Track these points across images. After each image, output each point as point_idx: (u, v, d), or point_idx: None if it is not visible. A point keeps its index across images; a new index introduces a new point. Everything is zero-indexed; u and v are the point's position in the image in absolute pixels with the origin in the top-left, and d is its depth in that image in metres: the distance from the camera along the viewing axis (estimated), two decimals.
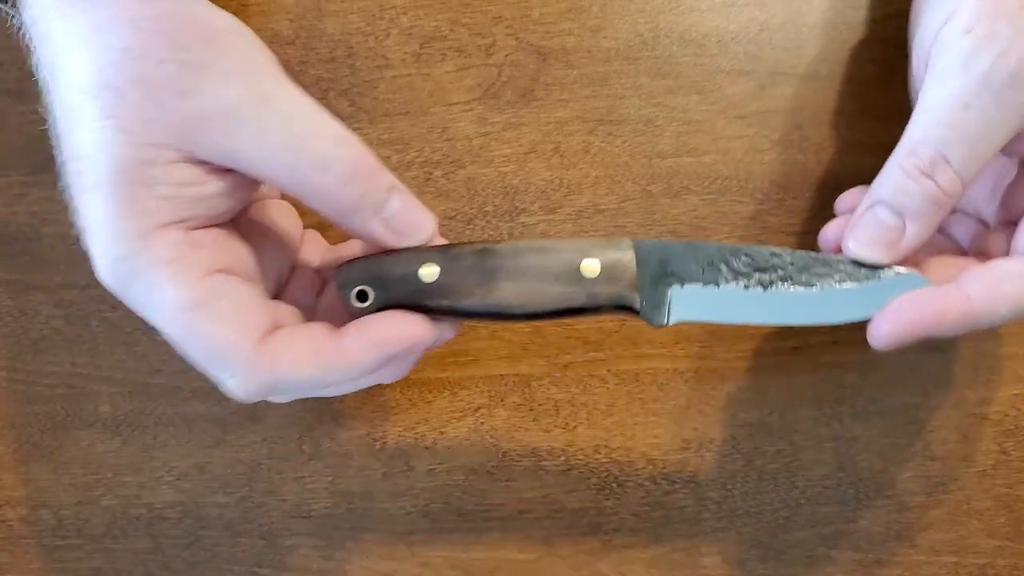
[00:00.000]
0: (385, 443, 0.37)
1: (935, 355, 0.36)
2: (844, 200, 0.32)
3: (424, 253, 0.28)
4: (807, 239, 0.36)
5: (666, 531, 0.36)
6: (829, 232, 0.31)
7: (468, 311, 0.28)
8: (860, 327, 0.34)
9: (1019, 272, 0.27)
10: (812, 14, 0.36)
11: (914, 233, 0.28)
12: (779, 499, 0.36)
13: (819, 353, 0.36)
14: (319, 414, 0.37)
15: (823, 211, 0.36)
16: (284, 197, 0.33)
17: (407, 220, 0.28)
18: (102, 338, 0.37)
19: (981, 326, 0.27)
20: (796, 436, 0.36)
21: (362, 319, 0.27)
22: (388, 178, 0.27)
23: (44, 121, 0.31)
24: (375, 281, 0.28)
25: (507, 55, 0.36)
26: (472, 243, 0.29)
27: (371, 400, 0.37)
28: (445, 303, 0.28)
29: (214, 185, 0.26)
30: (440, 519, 0.37)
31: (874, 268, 0.29)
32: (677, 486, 0.36)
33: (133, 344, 0.37)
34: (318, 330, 0.27)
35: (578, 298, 0.28)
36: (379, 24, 0.36)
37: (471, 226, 0.36)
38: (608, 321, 0.36)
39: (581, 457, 0.37)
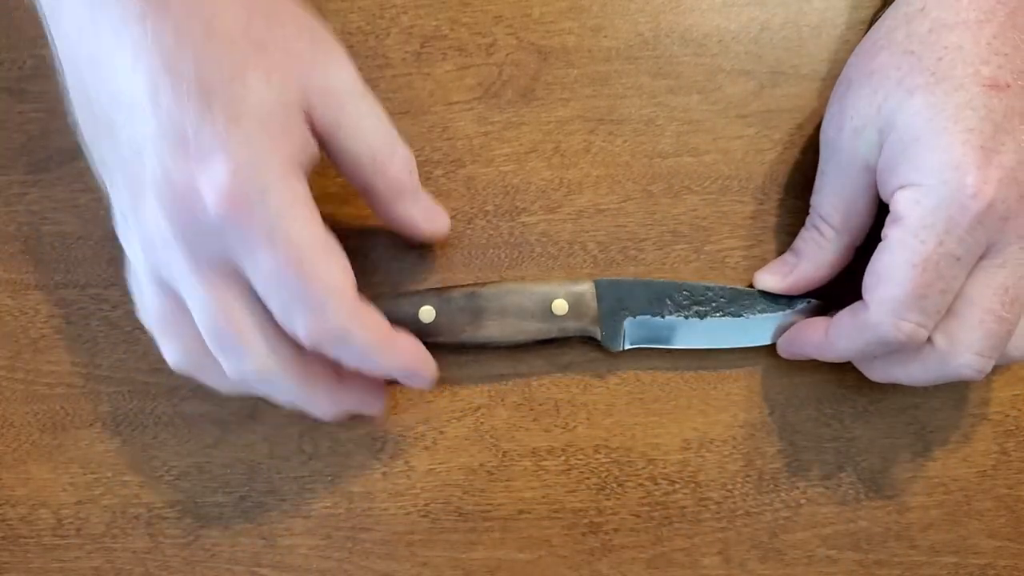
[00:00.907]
0: (385, 443, 0.37)
1: None
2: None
3: (421, 297, 0.34)
4: None
5: (666, 531, 0.36)
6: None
7: (460, 344, 0.35)
8: None
9: (851, 313, 0.32)
10: (813, 14, 0.36)
11: (802, 267, 0.34)
12: (779, 499, 0.36)
13: None
14: None
15: None
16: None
17: (435, 211, 0.34)
18: (102, 337, 0.37)
19: (840, 357, 0.33)
20: (796, 436, 0.36)
21: (408, 337, 0.32)
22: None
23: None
24: None
25: (508, 54, 0.36)
26: (461, 286, 0.35)
27: None
28: (441, 339, 0.34)
29: (316, 150, 0.30)
30: (440, 519, 0.37)
31: (789, 300, 0.35)
32: (677, 486, 0.36)
33: (133, 343, 0.37)
34: (383, 317, 0.32)
35: (551, 331, 0.35)
36: (379, 23, 0.36)
37: (471, 225, 0.36)
38: None
39: (581, 457, 0.36)
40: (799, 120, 0.36)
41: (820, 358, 0.34)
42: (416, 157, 0.36)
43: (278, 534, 0.37)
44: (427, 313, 0.34)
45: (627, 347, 0.35)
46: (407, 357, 0.32)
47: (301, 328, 0.29)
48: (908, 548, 0.36)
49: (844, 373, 0.36)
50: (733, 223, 0.36)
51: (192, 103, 0.27)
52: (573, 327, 0.35)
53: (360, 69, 0.36)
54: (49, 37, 0.30)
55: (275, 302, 0.29)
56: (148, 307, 0.31)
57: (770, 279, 0.35)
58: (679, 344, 0.35)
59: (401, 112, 0.36)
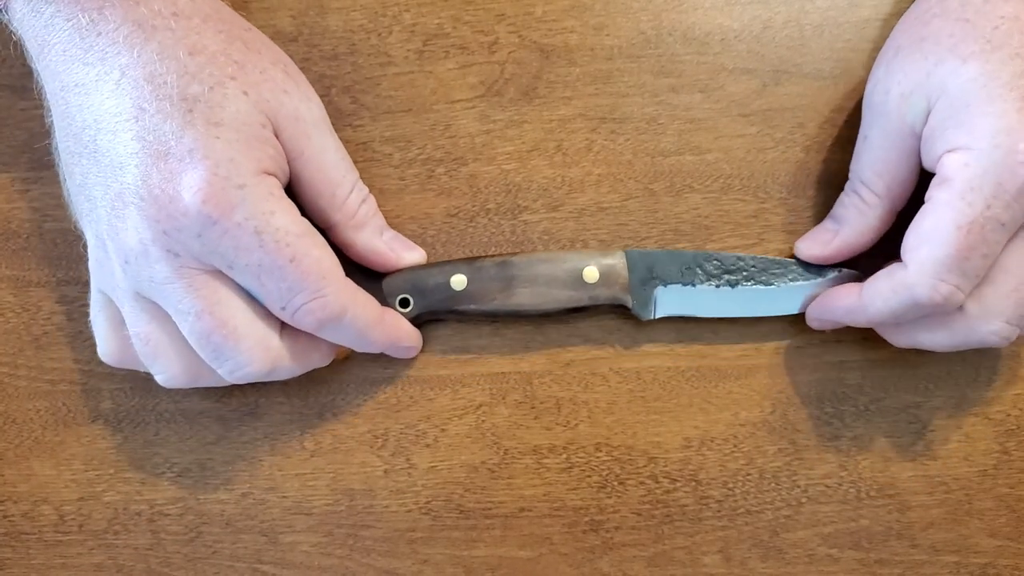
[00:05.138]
0: (387, 440, 0.37)
1: (937, 354, 0.36)
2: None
3: (453, 266, 0.35)
4: None
5: (667, 529, 0.36)
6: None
7: (491, 312, 0.35)
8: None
9: (888, 274, 0.31)
10: (815, 12, 0.36)
11: (845, 234, 0.34)
12: (780, 498, 0.36)
13: (821, 352, 0.36)
14: (320, 411, 0.37)
15: (825, 209, 0.36)
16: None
17: (403, 244, 0.36)
18: None
19: (873, 320, 0.32)
20: (797, 435, 0.36)
21: (392, 311, 0.35)
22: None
23: (46, 118, 0.31)
24: (415, 290, 0.35)
25: (510, 53, 0.36)
26: (492, 256, 0.35)
27: (373, 397, 0.37)
28: (472, 307, 0.35)
29: (287, 165, 0.31)
30: (441, 516, 0.37)
31: (820, 268, 0.35)
32: (678, 484, 0.36)
33: None
34: (372, 297, 0.34)
35: (581, 299, 0.35)
36: (382, 21, 0.36)
37: (473, 223, 0.36)
38: (610, 319, 0.36)
39: (582, 455, 0.37)
40: (801, 119, 0.36)
41: (850, 323, 0.33)
42: (418, 155, 0.36)
43: (279, 531, 0.37)
44: (459, 281, 0.35)
45: (658, 316, 0.35)
46: (396, 331, 0.34)
47: (305, 314, 0.30)
48: (909, 547, 0.36)
49: (846, 372, 0.36)
50: (735, 222, 0.36)
51: (175, 110, 0.28)
52: (604, 295, 0.35)
53: (362, 67, 0.36)
54: (35, 72, 0.31)
55: (271, 293, 0.30)
56: (136, 332, 0.31)
57: (812, 247, 0.35)
58: (710, 313, 0.35)
59: (403, 110, 0.36)
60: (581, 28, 0.36)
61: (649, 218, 0.36)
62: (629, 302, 0.35)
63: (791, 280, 0.35)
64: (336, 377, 0.37)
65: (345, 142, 0.36)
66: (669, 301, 0.35)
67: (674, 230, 0.36)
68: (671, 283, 0.35)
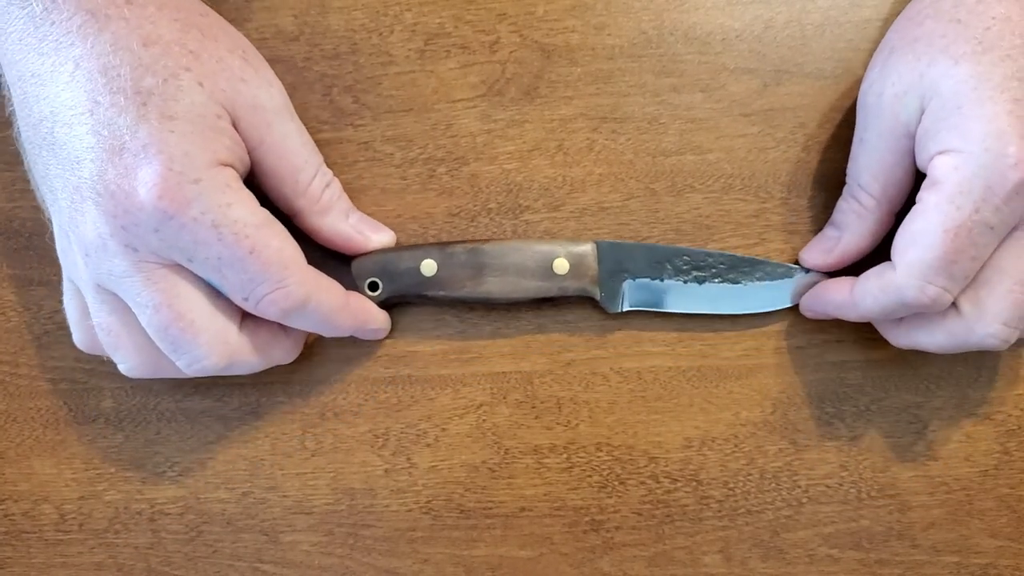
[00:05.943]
0: (387, 440, 0.37)
1: (938, 354, 0.36)
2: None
3: (424, 251, 0.35)
4: (810, 237, 0.36)
5: (667, 529, 0.36)
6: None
7: (460, 299, 0.35)
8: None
9: (877, 273, 0.32)
10: (816, 12, 0.36)
11: (846, 240, 0.34)
12: (781, 498, 0.36)
13: (822, 352, 0.36)
14: (321, 410, 0.37)
15: (826, 209, 0.36)
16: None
17: (371, 226, 0.35)
18: None
19: (863, 317, 0.33)
20: (798, 435, 0.36)
21: (357, 295, 0.35)
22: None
23: (7, 107, 0.32)
24: (384, 274, 0.35)
25: (511, 52, 0.36)
26: (463, 241, 0.35)
27: (373, 397, 0.37)
28: (442, 293, 0.35)
29: (246, 156, 0.31)
30: (442, 516, 0.37)
31: (788, 268, 0.36)
32: (679, 484, 0.36)
33: None
34: (334, 281, 0.33)
35: (551, 290, 0.35)
36: (383, 20, 0.36)
37: (475, 223, 0.36)
38: (610, 319, 0.36)
39: (583, 455, 0.37)
40: (802, 118, 0.36)
41: (842, 317, 0.34)
42: (419, 155, 0.36)
43: (280, 530, 0.37)
44: (429, 267, 0.35)
45: (625, 309, 0.36)
46: (363, 315, 0.34)
47: (268, 304, 0.30)
48: (910, 547, 0.36)
49: (846, 372, 0.36)
50: (736, 221, 0.36)
51: (129, 104, 0.28)
52: (573, 287, 0.35)
53: (364, 67, 0.36)
54: None
55: (233, 285, 0.30)
56: (98, 323, 0.31)
57: (816, 256, 0.35)
58: (677, 308, 0.36)
59: (404, 109, 0.36)
60: (582, 28, 0.36)
61: (650, 218, 0.36)
62: (597, 294, 0.35)
63: (758, 279, 0.36)
64: (337, 377, 0.37)
65: (346, 142, 0.36)
66: (637, 295, 0.36)
67: (675, 230, 0.36)
68: (639, 277, 0.35)
